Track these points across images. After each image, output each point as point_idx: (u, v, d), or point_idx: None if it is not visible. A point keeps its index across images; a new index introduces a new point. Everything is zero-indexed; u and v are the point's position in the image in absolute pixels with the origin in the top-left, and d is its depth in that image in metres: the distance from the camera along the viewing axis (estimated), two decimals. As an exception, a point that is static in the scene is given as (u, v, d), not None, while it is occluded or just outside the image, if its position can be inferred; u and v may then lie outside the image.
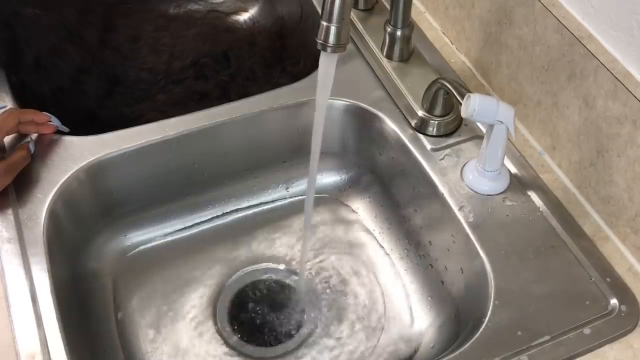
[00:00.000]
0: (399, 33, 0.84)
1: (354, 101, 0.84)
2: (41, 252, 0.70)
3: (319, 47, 0.63)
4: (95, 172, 0.78)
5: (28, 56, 0.89)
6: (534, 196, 0.75)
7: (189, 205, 0.88)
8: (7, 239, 0.70)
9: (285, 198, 0.91)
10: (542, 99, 0.77)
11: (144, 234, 0.86)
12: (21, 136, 0.78)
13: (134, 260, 0.85)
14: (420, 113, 0.80)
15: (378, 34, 0.87)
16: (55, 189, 0.75)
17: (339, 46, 0.62)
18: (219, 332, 0.79)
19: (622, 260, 0.70)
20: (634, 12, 0.63)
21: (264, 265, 0.85)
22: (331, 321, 0.80)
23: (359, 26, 0.91)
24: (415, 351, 0.77)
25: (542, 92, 0.76)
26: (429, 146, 0.79)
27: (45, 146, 0.78)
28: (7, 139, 0.78)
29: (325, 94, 0.68)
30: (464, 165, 0.77)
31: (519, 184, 0.76)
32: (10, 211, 0.72)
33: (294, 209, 0.90)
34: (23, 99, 0.84)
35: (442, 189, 0.76)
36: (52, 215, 0.73)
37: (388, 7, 0.83)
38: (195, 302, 0.82)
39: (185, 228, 0.88)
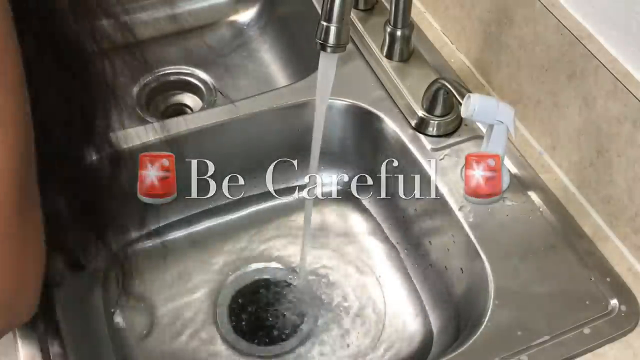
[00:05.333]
0: (399, 33, 0.84)
1: (354, 101, 0.84)
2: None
3: (318, 47, 0.63)
4: (95, 172, 0.78)
5: None
6: (534, 196, 0.75)
7: (188, 205, 0.88)
8: (7, 239, 0.70)
9: (285, 198, 0.91)
10: (542, 99, 0.77)
11: (143, 234, 0.86)
12: None
13: (133, 260, 0.84)
14: (420, 113, 0.80)
15: (378, 34, 0.87)
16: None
17: (338, 46, 0.62)
18: (218, 331, 0.79)
19: (622, 260, 0.70)
20: (634, 12, 0.63)
21: (263, 264, 0.85)
22: (331, 320, 0.80)
23: (359, 26, 0.91)
24: (415, 351, 0.77)
25: (542, 92, 0.76)
26: (429, 146, 0.79)
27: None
28: None
29: (325, 94, 0.68)
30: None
31: (519, 184, 0.76)
32: (10, 211, 0.72)
33: (294, 208, 0.90)
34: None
35: (442, 189, 0.76)
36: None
37: (388, 7, 0.83)
38: (195, 301, 0.82)
39: (185, 228, 0.88)
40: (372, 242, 0.87)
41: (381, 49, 0.87)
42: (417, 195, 0.81)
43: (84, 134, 0.50)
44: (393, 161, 0.84)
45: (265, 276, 0.85)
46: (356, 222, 0.89)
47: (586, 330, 0.65)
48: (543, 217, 0.73)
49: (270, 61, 1.09)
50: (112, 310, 0.80)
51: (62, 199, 0.49)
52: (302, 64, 1.01)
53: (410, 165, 0.80)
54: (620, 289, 0.68)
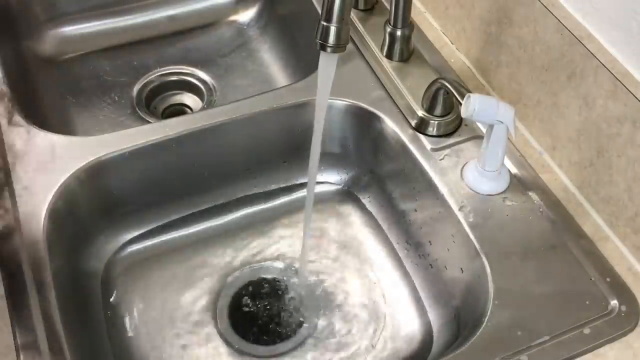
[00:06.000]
0: (399, 33, 0.84)
1: (354, 101, 0.84)
2: (41, 252, 0.70)
3: (318, 47, 0.63)
4: (95, 172, 0.78)
5: None
6: (534, 196, 0.75)
7: (188, 205, 0.88)
8: (7, 239, 0.70)
9: (285, 198, 0.91)
10: (542, 99, 0.77)
11: (144, 233, 0.86)
12: None
13: (133, 260, 0.85)
14: (420, 113, 0.80)
15: (378, 34, 0.87)
16: (55, 189, 0.75)
17: (338, 46, 0.62)
18: (218, 331, 0.79)
19: (622, 260, 0.70)
20: (634, 12, 0.63)
21: (263, 264, 0.85)
22: (331, 320, 0.80)
23: (359, 26, 0.91)
24: (415, 351, 0.77)
25: (542, 92, 0.76)
26: (429, 146, 0.79)
27: (45, 146, 0.78)
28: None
29: (325, 94, 0.67)
30: (464, 165, 0.77)
31: (519, 184, 0.76)
32: (10, 211, 0.72)
33: (294, 208, 0.90)
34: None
35: (442, 189, 0.76)
36: (52, 215, 0.73)
37: (388, 7, 0.83)
38: (195, 301, 0.82)
39: (185, 228, 0.88)
40: (372, 242, 0.87)
41: (381, 49, 0.87)
42: (417, 195, 0.81)
43: None
44: (393, 161, 0.84)
45: (265, 276, 0.85)
46: (356, 221, 0.89)
47: (586, 330, 0.65)
48: (543, 217, 0.73)
49: (270, 61, 1.10)
50: (118, 311, 0.80)
51: None
52: (302, 64, 1.01)
53: (410, 165, 0.80)
54: (620, 289, 0.68)
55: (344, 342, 0.79)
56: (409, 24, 0.84)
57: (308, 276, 0.84)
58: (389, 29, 0.84)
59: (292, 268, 0.85)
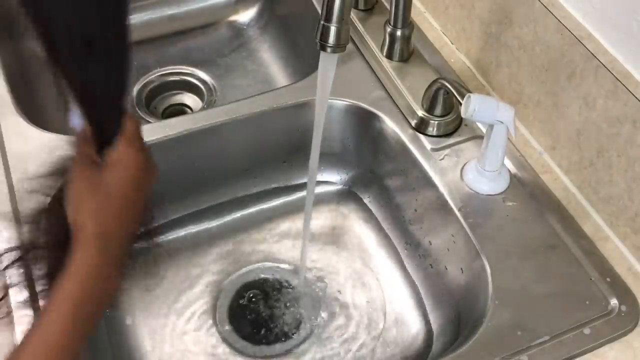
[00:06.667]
0: (399, 33, 0.84)
1: (354, 101, 0.84)
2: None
3: (318, 47, 0.63)
4: (95, 172, 0.78)
5: None
6: (534, 196, 0.75)
7: (188, 204, 0.88)
8: (7, 238, 0.70)
9: (285, 198, 0.91)
10: (542, 99, 0.77)
11: (142, 232, 0.86)
12: None
13: (133, 260, 0.84)
14: (420, 113, 0.80)
15: (378, 34, 0.87)
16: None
17: (338, 46, 0.62)
18: (218, 331, 0.79)
19: (622, 260, 0.70)
20: (634, 12, 0.63)
21: (263, 264, 0.85)
22: (330, 320, 0.80)
23: (359, 26, 0.91)
24: (415, 351, 0.77)
25: (542, 92, 0.76)
26: (429, 146, 0.79)
27: (45, 146, 0.78)
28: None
29: (325, 94, 0.68)
30: (464, 165, 0.77)
31: (519, 184, 0.76)
32: (10, 211, 0.72)
33: (294, 208, 0.90)
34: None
35: (442, 189, 0.76)
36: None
37: (388, 7, 0.83)
38: (195, 301, 0.82)
39: (184, 228, 0.88)
40: (372, 242, 0.87)
41: (381, 49, 0.87)
42: (417, 195, 0.81)
43: None
44: (393, 161, 0.84)
45: (265, 276, 0.85)
46: (356, 221, 0.89)
47: (586, 330, 0.65)
48: (543, 217, 0.73)
49: (270, 61, 1.10)
50: (118, 310, 0.80)
51: None
52: (302, 64, 1.01)
53: (410, 165, 0.80)
54: (620, 289, 0.68)
55: (344, 342, 0.79)
56: (409, 24, 0.84)
57: (308, 276, 0.84)
58: (389, 29, 0.84)
59: (292, 268, 0.85)
